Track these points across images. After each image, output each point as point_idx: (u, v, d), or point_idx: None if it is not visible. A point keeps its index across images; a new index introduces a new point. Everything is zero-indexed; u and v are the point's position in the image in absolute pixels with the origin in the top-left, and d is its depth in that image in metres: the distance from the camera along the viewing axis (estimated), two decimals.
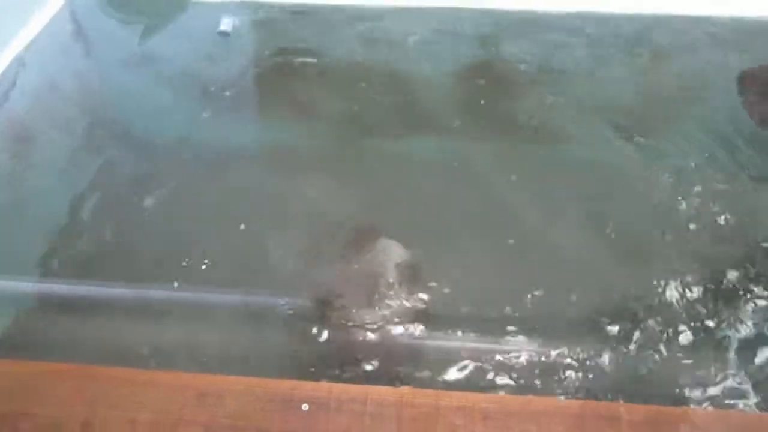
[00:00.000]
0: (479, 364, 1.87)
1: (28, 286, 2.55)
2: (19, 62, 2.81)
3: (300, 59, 3.50)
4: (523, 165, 2.99)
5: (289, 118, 3.38)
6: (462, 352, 1.89)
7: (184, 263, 2.44)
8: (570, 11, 3.43)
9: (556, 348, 1.97)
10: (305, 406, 1.44)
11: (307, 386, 1.48)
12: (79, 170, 3.07)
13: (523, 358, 1.91)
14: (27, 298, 2.57)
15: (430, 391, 1.51)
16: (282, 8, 3.67)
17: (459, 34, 3.47)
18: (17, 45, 2.94)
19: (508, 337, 1.98)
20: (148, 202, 2.92)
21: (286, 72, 3.50)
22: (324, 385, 1.48)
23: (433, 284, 2.19)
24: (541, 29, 3.42)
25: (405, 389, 1.50)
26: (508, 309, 2.11)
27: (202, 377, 1.51)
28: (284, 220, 2.71)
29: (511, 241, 2.51)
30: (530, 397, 1.55)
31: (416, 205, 2.74)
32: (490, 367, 1.88)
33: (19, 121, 2.84)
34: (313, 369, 1.78)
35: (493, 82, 3.35)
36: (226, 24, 3.43)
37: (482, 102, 3.27)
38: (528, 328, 2.02)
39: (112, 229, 2.85)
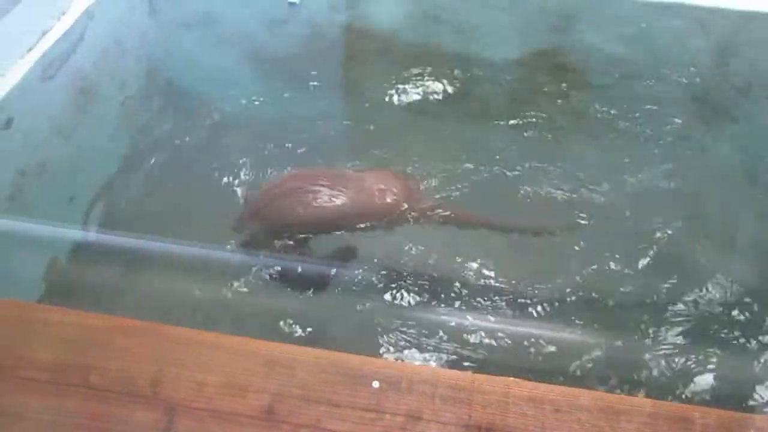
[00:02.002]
0: None
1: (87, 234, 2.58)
2: (89, 15, 2.80)
3: (363, 36, 3.46)
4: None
5: (339, 92, 3.36)
6: None
7: None
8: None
9: None
10: (376, 383, 1.42)
11: (378, 363, 1.46)
12: (134, 123, 3.09)
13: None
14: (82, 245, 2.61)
15: (500, 378, 1.47)
16: None
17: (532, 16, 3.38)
18: None
19: None
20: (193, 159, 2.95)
21: (345, 47, 3.46)
22: (395, 364, 1.46)
23: None
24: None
25: (477, 375, 1.47)
26: None
27: (271, 345, 1.49)
28: None
29: None
30: (602, 393, 1.51)
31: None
32: None
33: (84, 74, 2.84)
34: None
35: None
36: None
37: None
38: None
39: (166, 179, 2.89)
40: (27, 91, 2.54)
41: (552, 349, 2.13)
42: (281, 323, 2.32)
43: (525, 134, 3.09)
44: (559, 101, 3.22)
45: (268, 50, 3.38)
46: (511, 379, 1.48)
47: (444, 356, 2.08)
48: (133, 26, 3.16)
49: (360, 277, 2.48)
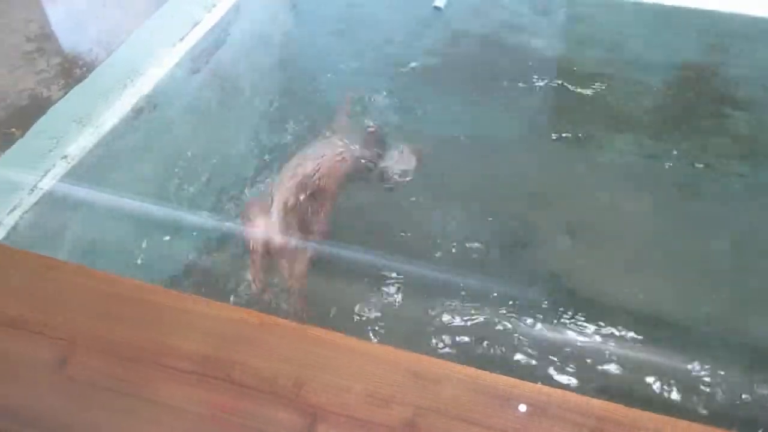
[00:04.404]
0: None
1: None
2: (236, 10, 2.85)
3: (504, 46, 3.40)
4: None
5: (470, 98, 3.30)
6: None
7: None
8: None
9: None
10: (523, 407, 1.36)
11: (527, 387, 1.40)
12: (271, 121, 3.13)
13: None
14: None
15: (657, 416, 1.38)
16: None
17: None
18: None
19: None
20: None
21: (482, 54, 3.41)
22: (544, 389, 1.39)
23: None
24: None
25: (631, 409, 1.39)
26: None
27: (418, 357, 1.45)
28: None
29: None
30: None
31: None
32: None
33: (227, 67, 2.89)
34: None
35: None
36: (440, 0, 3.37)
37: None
38: None
39: None
40: (174, 81, 2.60)
41: (713, 391, 2.02)
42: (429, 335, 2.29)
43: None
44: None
45: (407, 56, 3.36)
46: (669, 417, 1.39)
47: (596, 385, 2.00)
48: (276, 23, 3.21)
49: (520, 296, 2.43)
